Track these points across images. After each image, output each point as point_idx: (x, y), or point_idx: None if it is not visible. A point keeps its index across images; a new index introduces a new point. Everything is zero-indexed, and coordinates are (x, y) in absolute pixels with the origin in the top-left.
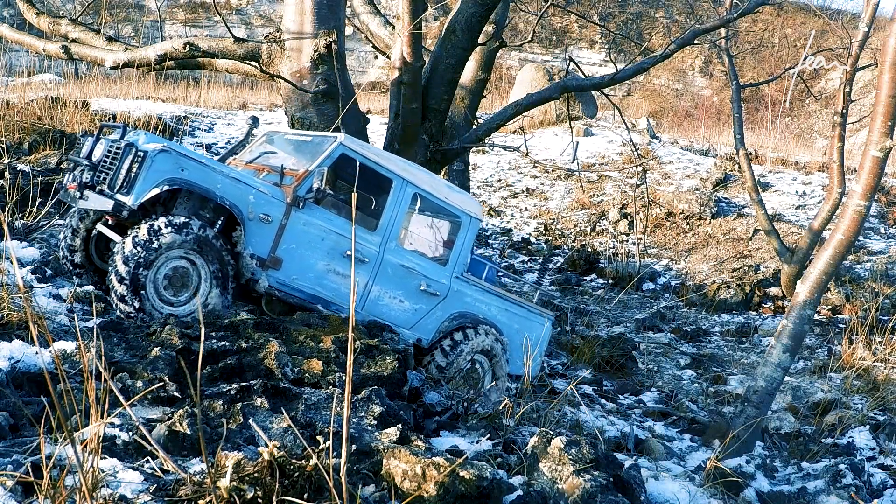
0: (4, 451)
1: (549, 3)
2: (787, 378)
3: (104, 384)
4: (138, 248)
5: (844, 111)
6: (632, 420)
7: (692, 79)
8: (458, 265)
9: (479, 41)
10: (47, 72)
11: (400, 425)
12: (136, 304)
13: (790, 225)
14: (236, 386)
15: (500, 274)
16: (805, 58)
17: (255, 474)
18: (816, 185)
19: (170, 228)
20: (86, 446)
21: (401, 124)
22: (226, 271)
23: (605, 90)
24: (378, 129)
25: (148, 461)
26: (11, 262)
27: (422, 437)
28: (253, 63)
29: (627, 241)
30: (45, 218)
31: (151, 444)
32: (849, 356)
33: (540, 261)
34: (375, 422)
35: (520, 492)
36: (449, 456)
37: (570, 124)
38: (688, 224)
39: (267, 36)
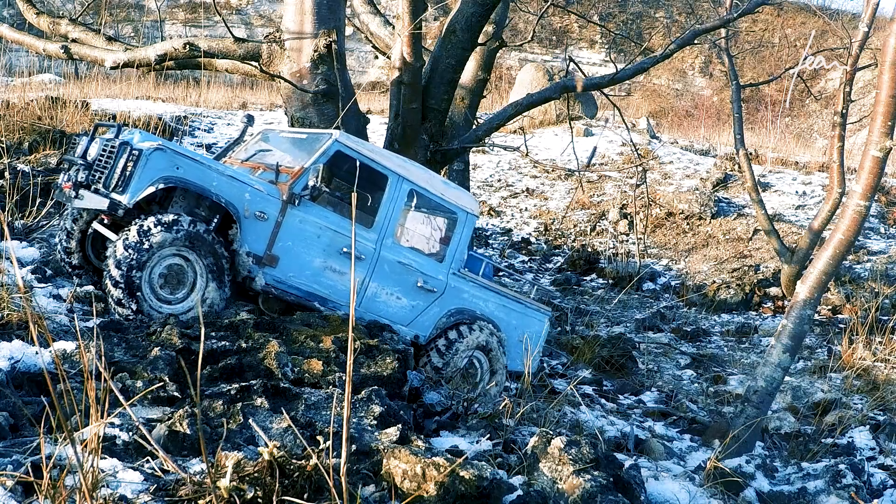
0: (4, 451)
1: (549, 3)
2: (787, 378)
3: (104, 384)
4: (129, 251)
5: (844, 111)
6: (632, 420)
7: (692, 79)
8: (454, 261)
9: (479, 41)
10: (47, 72)
11: (400, 425)
12: (134, 307)
13: (790, 225)
14: (236, 386)
15: (501, 274)
16: (805, 58)
17: (255, 474)
18: (816, 185)
19: (159, 227)
20: (86, 446)
21: (401, 124)
22: (221, 264)
23: (605, 90)
24: (378, 129)
25: (148, 461)
26: (11, 262)
27: (422, 437)
28: (253, 63)
29: (627, 241)
30: (45, 218)
31: (151, 444)
32: (849, 356)
33: (538, 259)
34: (375, 422)
35: (520, 492)
36: (449, 456)
37: (570, 124)
38: (688, 224)
39: (267, 36)
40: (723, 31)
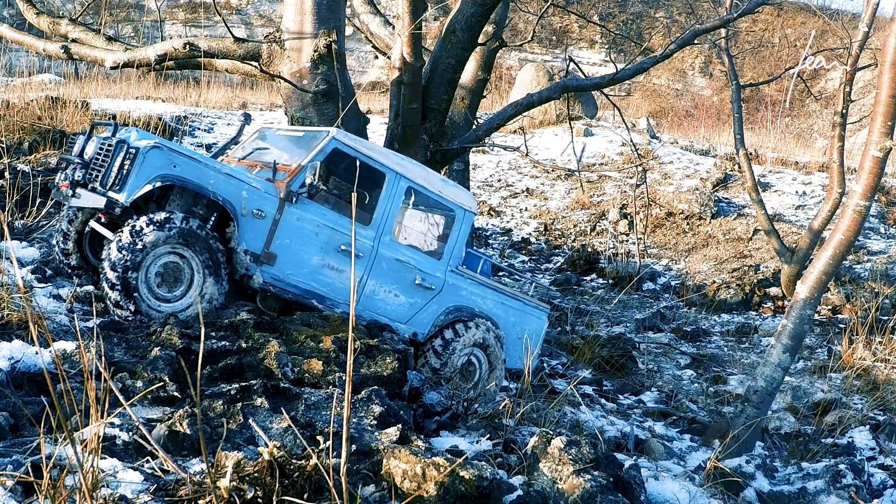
0: (4, 451)
1: (549, 3)
2: (787, 378)
3: (104, 384)
4: (123, 252)
5: (844, 111)
6: (632, 420)
7: (692, 79)
8: (452, 258)
9: (479, 41)
10: (47, 72)
11: (400, 425)
12: (132, 308)
13: (790, 225)
14: (236, 386)
15: (501, 274)
16: (805, 58)
17: (255, 474)
18: (816, 185)
19: (151, 227)
20: (86, 446)
21: (401, 124)
22: (216, 258)
23: (605, 90)
24: (378, 129)
25: (148, 461)
26: (11, 262)
27: (422, 437)
28: (253, 63)
29: (627, 241)
30: (45, 218)
31: (151, 444)
32: (849, 356)
33: (538, 258)
34: (375, 422)
35: (520, 492)
36: (449, 456)
37: (570, 124)
38: (688, 224)
39: (267, 36)
40: (723, 31)
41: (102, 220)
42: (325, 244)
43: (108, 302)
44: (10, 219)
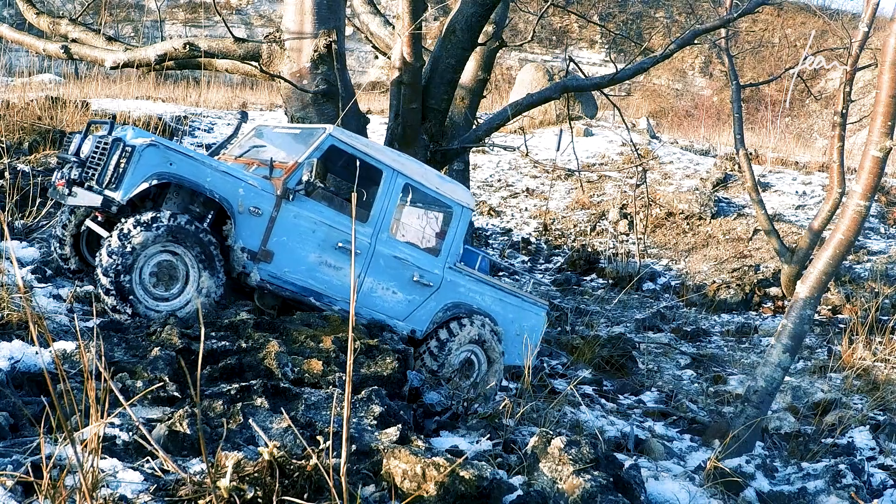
0: (4, 451)
1: (549, 3)
2: (787, 378)
3: (104, 384)
4: (114, 257)
5: (844, 111)
6: (632, 420)
7: (692, 79)
8: (450, 255)
9: (479, 41)
10: (47, 72)
11: (400, 425)
12: (129, 311)
13: (790, 225)
14: (236, 386)
15: (501, 273)
16: (805, 58)
17: (255, 474)
18: (816, 185)
19: (139, 228)
20: (86, 446)
21: (401, 124)
22: (209, 252)
23: (605, 90)
24: (378, 129)
25: (148, 461)
26: (11, 262)
27: (422, 437)
28: (253, 63)
29: (627, 241)
30: (45, 218)
31: (151, 444)
32: (849, 356)
33: (538, 259)
34: (375, 422)
35: (520, 492)
36: (449, 456)
37: (570, 124)
38: (688, 224)
39: (267, 36)
40: (723, 31)
41: (99, 218)
42: (323, 241)
43: (105, 307)
44: (10, 219)
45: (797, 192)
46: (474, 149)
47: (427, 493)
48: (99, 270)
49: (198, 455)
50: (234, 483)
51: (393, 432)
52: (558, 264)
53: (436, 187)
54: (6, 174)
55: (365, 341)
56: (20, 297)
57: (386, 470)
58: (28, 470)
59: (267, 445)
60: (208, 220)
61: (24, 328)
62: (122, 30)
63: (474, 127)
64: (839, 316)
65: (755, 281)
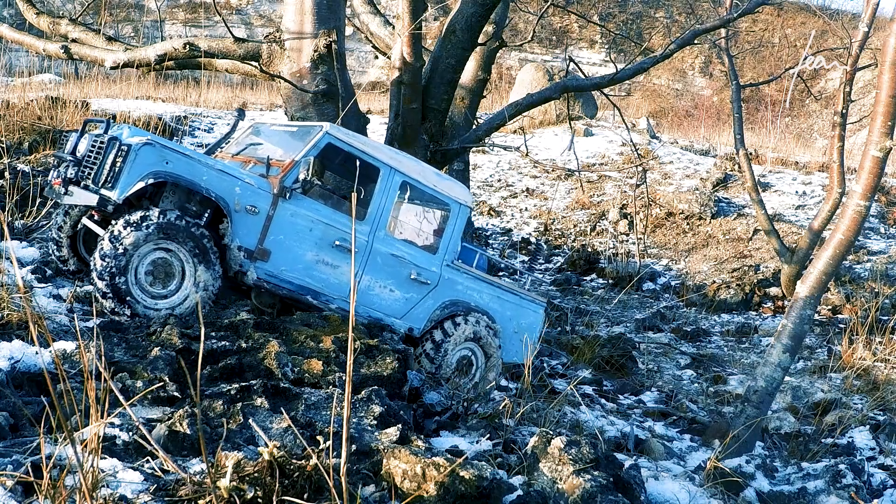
0: (4, 451)
1: (549, 3)
2: (787, 378)
3: (104, 384)
4: (107, 260)
5: (844, 111)
6: (632, 420)
7: (692, 79)
8: (448, 253)
9: (479, 41)
10: (47, 72)
11: (400, 425)
12: (128, 312)
13: (790, 225)
14: (236, 386)
15: (501, 274)
16: (805, 58)
17: (255, 474)
18: (816, 185)
19: (129, 228)
20: (86, 446)
21: (401, 124)
22: (203, 245)
23: (605, 90)
24: (378, 129)
25: (148, 461)
26: (11, 262)
27: (422, 437)
28: (253, 63)
29: (627, 241)
30: (45, 218)
31: (151, 444)
32: (849, 356)
33: (539, 259)
34: (375, 422)
35: (520, 492)
36: (449, 456)
37: (570, 124)
38: (688, 224)
39: (267, 36)
40: (723, 31)
41: (95, 217)
42: (320, 240)
43: (104, 309)
44: (10, 219)
45: (797, 192)
46: (474, 149)
47: (427, 493)
48: (94, 274)
49: (198, 455)
50: (234, 483)
51: (393, 432)
52: (558, 264)
53: (433, 185)
54: (6, 174)
55: (365, 341)
56: (20, 297)
57: (386, 470)
58: (28, 470)
59: (267, 445)
60: (205, 219)
61: (24, 328)
62: (122, 30)
63: (474, 127)
64: (839, 316)
65: (755, 281)
